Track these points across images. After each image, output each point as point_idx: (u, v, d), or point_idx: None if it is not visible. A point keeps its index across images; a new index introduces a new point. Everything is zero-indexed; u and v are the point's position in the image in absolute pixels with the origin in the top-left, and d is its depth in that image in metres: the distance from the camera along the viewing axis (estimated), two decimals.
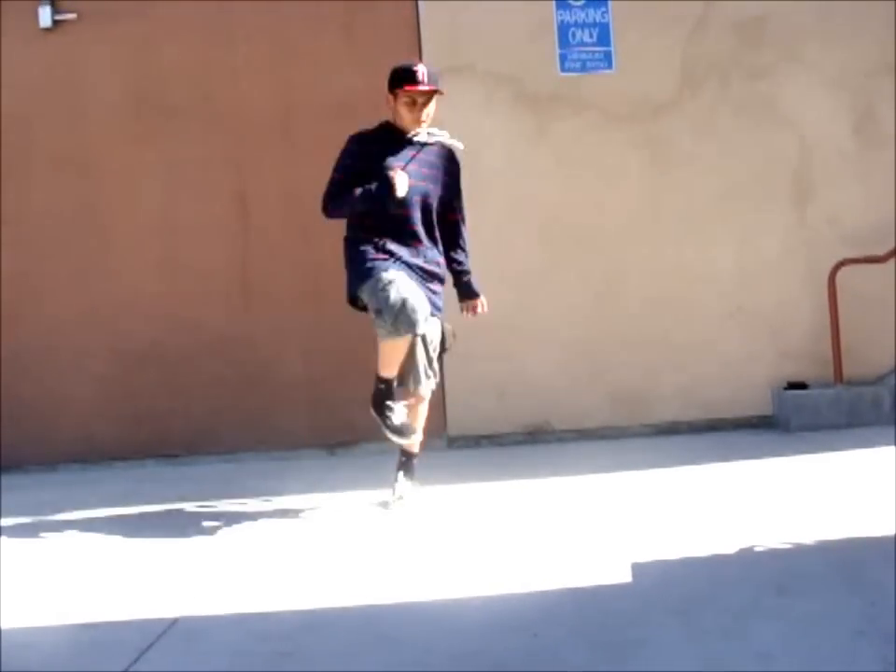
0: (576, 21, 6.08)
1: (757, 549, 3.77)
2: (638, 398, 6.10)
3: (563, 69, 6.09)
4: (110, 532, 4.65)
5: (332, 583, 3.74)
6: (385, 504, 4.75)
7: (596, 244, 6.11)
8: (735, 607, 3.21)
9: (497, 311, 5.98)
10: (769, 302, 6.08)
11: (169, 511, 5.00)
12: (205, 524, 4.69)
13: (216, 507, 5.04)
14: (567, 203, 6.12)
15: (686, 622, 3.12)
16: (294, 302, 6.19)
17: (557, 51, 6.09)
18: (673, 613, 3.19)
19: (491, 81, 6.09)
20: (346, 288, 4.66)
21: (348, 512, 4.74)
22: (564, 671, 2.87)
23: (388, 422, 4.57)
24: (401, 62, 4.77)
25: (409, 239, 4.63)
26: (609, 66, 6.09)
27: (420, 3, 6.13)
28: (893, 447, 5.11)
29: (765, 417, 6.05)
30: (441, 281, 4.75)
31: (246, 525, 4.62)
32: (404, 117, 4.69)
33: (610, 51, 6.07)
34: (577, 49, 6.08)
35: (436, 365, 4.78)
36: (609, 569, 3.64)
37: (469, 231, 4.86)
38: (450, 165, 4.80)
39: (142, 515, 4.95)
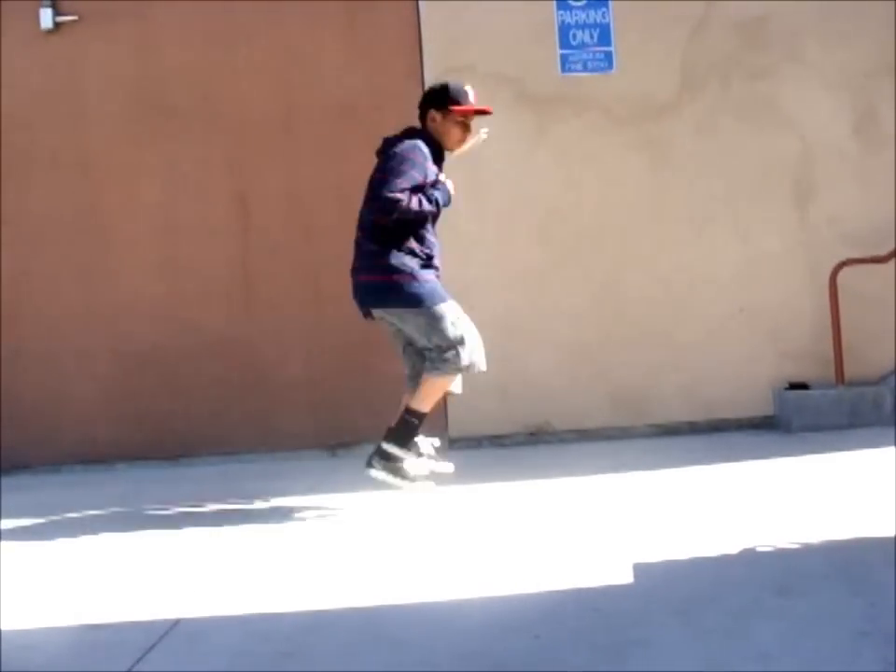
0: (577, 22, 6.08)
1: (758, 549, 3.77)
2: (640, 398, 6.11)
3: (564, 70, 6.10)
4: (112, 533, 4.65)
5: (334, 584, 3.74)
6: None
7: (598, 244, 6.12)
8: (736, 607, 3.21)
9: (498, 311, 6.01)
10: (770, 303, 6.08)
11: (170, 512, 5.00)
12: (207, 525, 4.69)
13: (217, 508, 5.04)
14: (567, 204, 6.12)
15: (687, 622, 3.12)
16: (295, 303, 6.19)
17: (558, 52, 6.09)
18: (674, 614, 3.19)
19: (492, 82, 6.09)
20: (397, 299, 4.61)
21: (349, 513, 4.74)
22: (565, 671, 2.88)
23: (404, 467, 4.68)
24: (447, 80, 4.86)
25: (434, 237, 4.76)
26: (610, 67, 6.09)
27: (421, 3, 6.13)
28: (894, 447, 5.11)
29: (767, 417, 6.05)
30: None
31: (248, 525, 4.62)
32: (453, 136, 4.78)
33: (611, 52, 6.07)
34: (578, 49, 6.08)
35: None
36: (611, 570, 3.64)
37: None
38: None
39: (143, 516, 4.94)
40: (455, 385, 4.80)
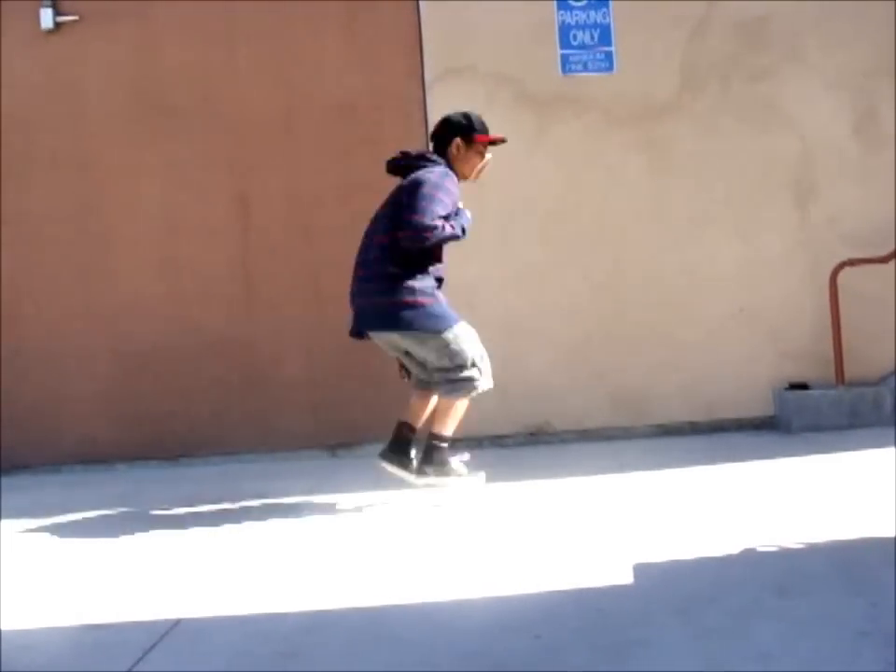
0: (577, 23, 6.08)
1: (758, 549, 3.77)
2: (640, 398, 6.11)
3: (564, 70, 6.10)
4: (112, 533, 4.65)
5: (335, 584, 3.74)
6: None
7: (598, 244, 6.12)
8: (736, 607, 3.21)
9: (498, 311, 6.02)
10: (770, 303, 6.08)
11: (171, 512, 5.00)
12: (207, 525, 4.69)
13: (217, 508, 5.04)
14: (567, 204, 6.13)
15: (688, 622, 3.12)
16: (295, 303, 6.19)
17: (558, 52, 6.09)
18: (675, 614, 3.19)
19: (492, 82, 6.10)
20: (423, 323, 4.61)
21: (350, 513, 4.74)
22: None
23: (453, 467, 4.77)
24: (466, 110, 4.93)
25: (444, 256, 4.83)
26: (611, 67, 6.10)
27: (421, 3, 6.14)
28: (895, 448, 5.11)
29: (767, 418, 6.05)
30: None
31: (248, 525, 4.62)
32: (472, 164, 4.88)
33: (612, 52, 6.08)
34: (578, 50, 6.08)
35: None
36: (611, 570, 3.64)
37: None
38: None
39: (144, 516, 4.95)
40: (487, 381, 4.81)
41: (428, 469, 4.72)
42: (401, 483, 4.88)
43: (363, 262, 4.76)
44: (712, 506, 4.44)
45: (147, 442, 6.23)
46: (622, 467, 5.25)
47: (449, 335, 4.63)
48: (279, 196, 6.24)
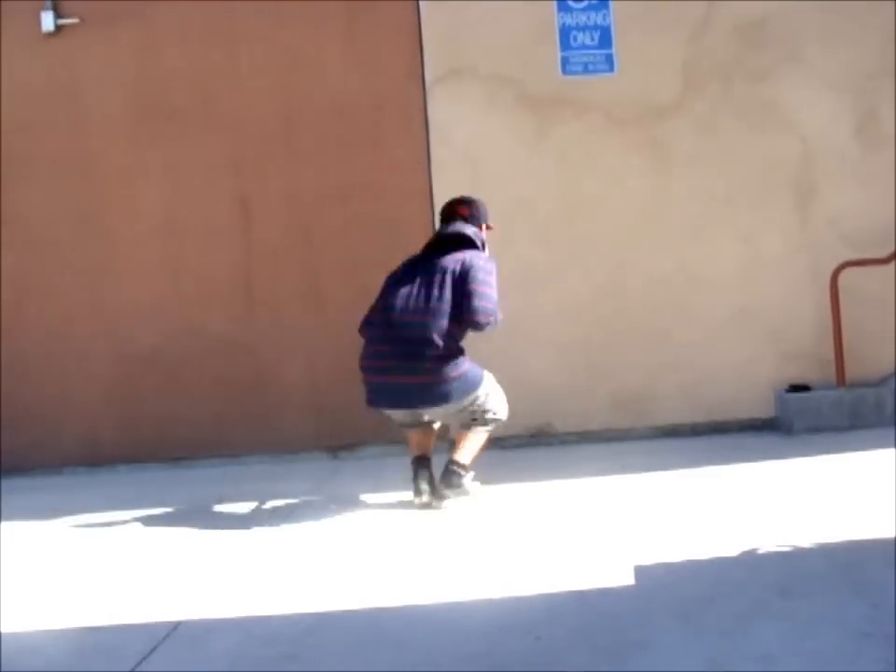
0: (577, 24, 6.08)
1: (760, 551, 3.77)
2: (641, 400, 6.10)
3: (564, 71, 6.10)
4: (113, 535, 4.66)
5: (335, 586, 3.74)
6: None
7: (598, 245, 6.12)
8: (737, 609, 3.21)
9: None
10: (771, 304, 6.08)
11: (172, 514, 5.00)
12: (208, 527, 4.69)
13: (219, 510, 5.04)
14: (568, 205, 6.12)
15: (689, 624, 3.13)
16: (296, 305, 6.19)
17: (559, 54, 6.09)
18: (676, 615, 3.19)
19: (492, 83, 6.09)
20: (468, 389, 4.76)
21: (351, 515, 4.74)
22: None
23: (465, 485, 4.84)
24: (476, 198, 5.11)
25: None
26: (611, 69, 6.09)
27: (421, 4, 6.13)
28: (895, 449, 5.11)
29: (768, 419, 6.04)
30: None
31: (249, 528, 4.62)
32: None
33: (612, 54, 6.07)
34: (578, 51, 6.08)
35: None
36: (612, 572, 3.64)
37: None
38: None
39: (145, 518, 4.95)
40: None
41: (448, 493, 4.79)
42: (403, 486, 4.88)
43: (402, 340, 4.73)
44: (713, 507, 4.44)
45: (148, 444, 6.23)
46: (622, 468, 5.25)
47: (481, 390, 4.81)
48: (279, 197, 6.23)
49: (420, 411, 4.83)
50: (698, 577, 3.54)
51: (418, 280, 4.81)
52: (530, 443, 6.08)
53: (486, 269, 4.86)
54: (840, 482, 4.71)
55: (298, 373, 6.20)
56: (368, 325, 4.88)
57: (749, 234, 6.09)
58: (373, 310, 4.91)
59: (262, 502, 5.09)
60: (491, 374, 4.91)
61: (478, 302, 4.75)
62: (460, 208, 5.03)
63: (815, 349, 6.02)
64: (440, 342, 4.67)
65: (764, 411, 6.05)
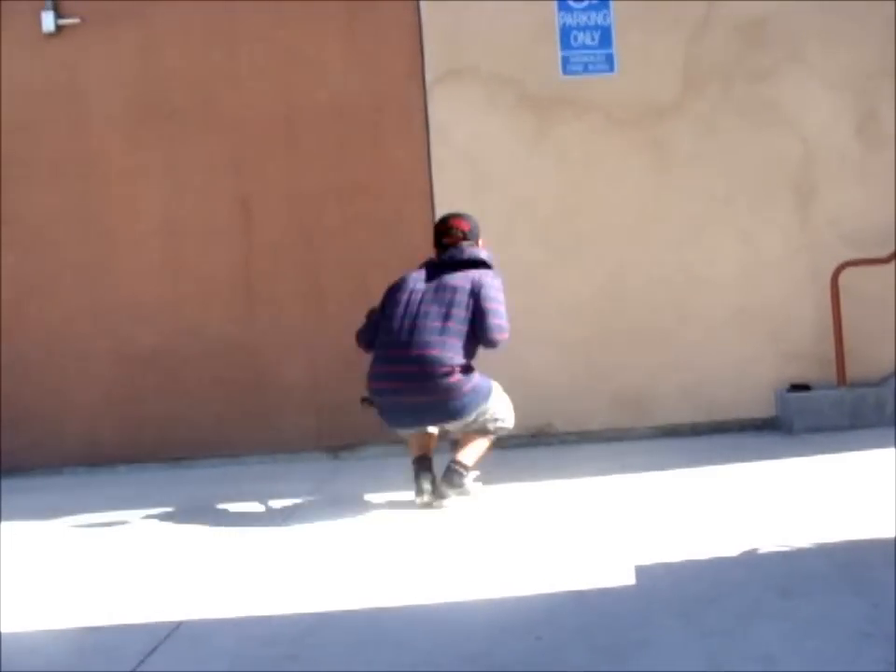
0: (578, 24, 6.08)
1: (760, 551, 3.77)
2: (641, 399, 6.11)
3: (565, 71, 6.10)
4: (114, 535, 4.66)
5: (336, 586, 3.74)
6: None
7: (599, 245, 6.12)
8: (738, 608, 3.21)
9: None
10: (772, 304, 6.08)
11: (172, 515, 5.00)
12: (209, 527, 4.69)
13: (219, 510, 5.04)
14: (568, 205, 6.12)
15: (689, 623, 3.12)
16: (297, 306, 6.19)
17: (559, 54, 6.09)
18: (676, 615, 3.19)
19: (493, 83, 6.10)
20: (480, 401, 4.79)
21: (351, 515, 4.74)
22: None
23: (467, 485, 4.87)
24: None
25: None
26: (611, 69, 6.09)
27: (421, 4, 6.13)
28: (895, 449, 5.12)
29: (768, 419, 6.05)
30: None
31: (250, 528, 4.62)
32: None
33: (612, 54, 6.07)
34: (579, 51, 6.08)
35: None
36: (613, 572, 3.64)
37: None
38: None
39: (145, 518, 4.95)
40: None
41: (449, 492, 4.80)
42: (404, 486, 4.88)
43: (415, 360, 4.72)
44: (714, 507, 4.44)
45: (148, 444, 6.23)
46: (622, 468, 5.25)
47: (491, 401, 4.84)
48: (280, 197, 6.23)
49: (433, 426, 4.89)
50: (698, 577, 3.54)
51: (429, 298, 4.81)
52: (530, 443, 6.08)
53: (496, 286, 4.91)
54: (840, 481, 4.71)
55: (298, 373, 6.20)
56: (374, 341, 4.89)
57: (750, 234, 6.09)
58: (375, 324, 4.91)
59: (263, 502, 5.09)
60: (498, 384, 4.93)
61: (492, 320, 4.79)
62: (460, 223, 5.00)
63: (815, 349, 6.02)
64: (454, 362, 4.70)
65: (765, 410, 6.05)
